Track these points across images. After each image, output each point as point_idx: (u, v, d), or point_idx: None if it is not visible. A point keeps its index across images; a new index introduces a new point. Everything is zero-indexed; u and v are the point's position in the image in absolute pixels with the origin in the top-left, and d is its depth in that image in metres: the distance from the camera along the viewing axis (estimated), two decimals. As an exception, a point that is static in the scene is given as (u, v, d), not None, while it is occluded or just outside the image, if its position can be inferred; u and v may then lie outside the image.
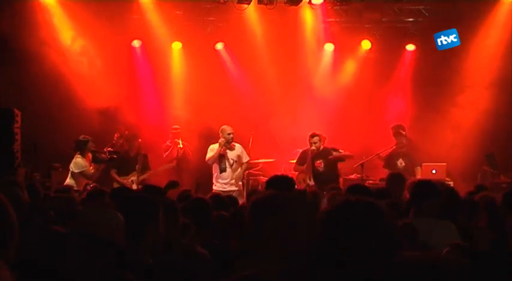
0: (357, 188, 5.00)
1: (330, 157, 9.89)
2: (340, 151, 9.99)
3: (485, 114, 11.21)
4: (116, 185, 10.21)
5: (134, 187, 9.99)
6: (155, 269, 3.09)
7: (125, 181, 10.21)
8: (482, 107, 11.27)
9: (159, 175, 10.64)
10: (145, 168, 10.46)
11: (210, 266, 3.65)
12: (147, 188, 6.23)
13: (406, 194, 7.03)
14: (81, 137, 9.73)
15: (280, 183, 5.05)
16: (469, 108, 11.39)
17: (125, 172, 10.37)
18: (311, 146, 9.95)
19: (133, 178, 10.27)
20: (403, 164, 10.34)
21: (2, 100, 10.51)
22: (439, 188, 4.79)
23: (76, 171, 9.49)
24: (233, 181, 10.02)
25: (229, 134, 9.95)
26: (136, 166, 10.34)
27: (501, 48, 11.44)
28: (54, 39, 11.41)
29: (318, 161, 9.96)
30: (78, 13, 11.33)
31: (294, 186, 5.39)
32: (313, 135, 9.97)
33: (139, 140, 10.58)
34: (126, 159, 10.39)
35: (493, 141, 10.95)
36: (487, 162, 10.62)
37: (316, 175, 9.92)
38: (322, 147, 9.99)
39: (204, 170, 10.72)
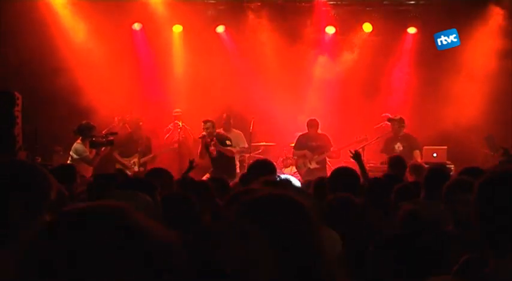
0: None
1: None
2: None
3: (486, 96, 11.17)
4: (118, 166, 10.28)
5: (136, 169, 10.05)
6: None
7: (126, 163, 10.26)
8: (484, 90, 11.23)
9: (160, 158, 10.71)
10: (147, 151, 10.51)
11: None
12: (153, 171, 6.04)
13: (408, 177, 7.12)
14: (84, 122, 9.47)
15: (261, 168, 4.95)
16: (470, 91, 11.35)
17: (127, 154, 10.43)
18: (203, 131, 9.99)
19: (135, 160, 10.32)
20: (401, 148, 10.28)
21: (2, 83, 10.52)
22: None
23: (76, 157, 9.26)
24: None
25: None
26: (139, 149, 10.40)
27: (503, 38, 11.41)
28: (54, 22, 11.40)
29: (212, 148, 10.00)
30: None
31: (275, 171, 5.20)
32: (206, 122, 9.98)
33: (141, 122, 10.64)
34: (129, 141, 10.44)
35: (493, 123, 10.94)
36: (486, 144, 10.60)
37: (212, 159, 9.98)
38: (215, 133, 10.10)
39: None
